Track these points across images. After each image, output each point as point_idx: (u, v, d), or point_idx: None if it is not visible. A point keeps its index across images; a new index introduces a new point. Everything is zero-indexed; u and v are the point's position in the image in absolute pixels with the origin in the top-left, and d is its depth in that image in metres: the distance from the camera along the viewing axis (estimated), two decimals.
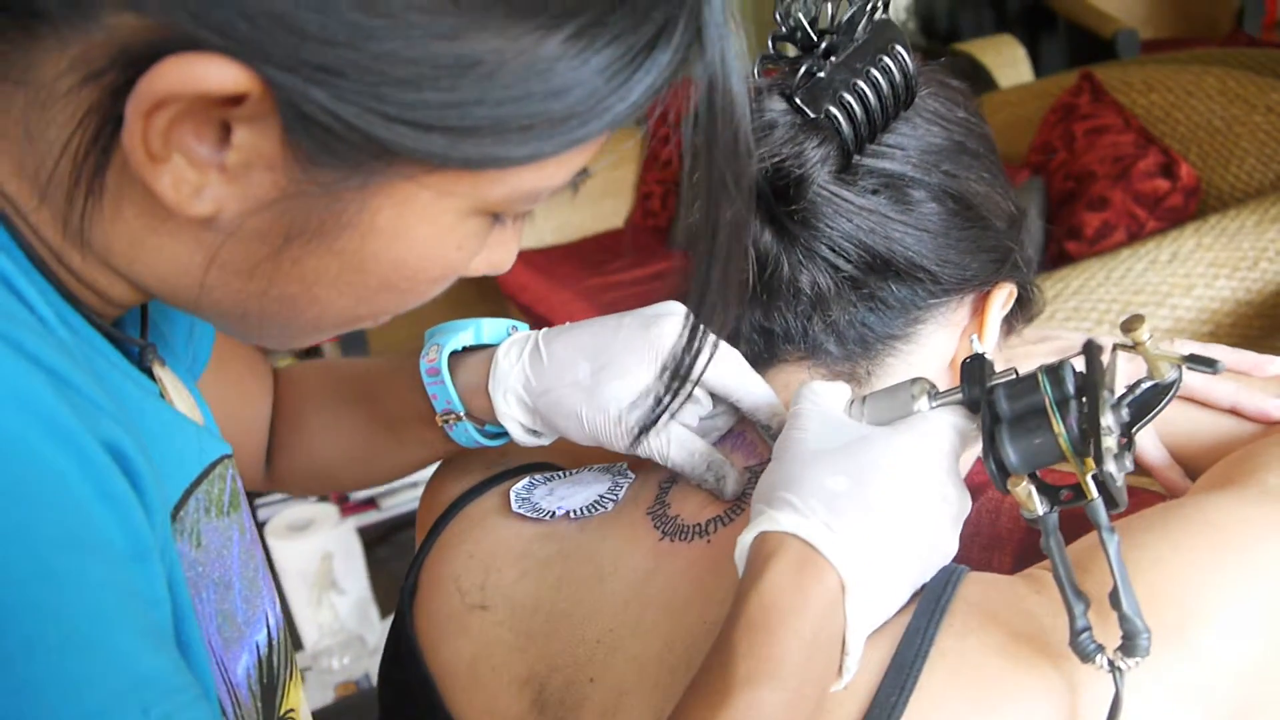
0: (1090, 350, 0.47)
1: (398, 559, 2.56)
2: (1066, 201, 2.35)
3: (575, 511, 0.62)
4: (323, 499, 2.19)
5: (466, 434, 0.66)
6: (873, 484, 0.49)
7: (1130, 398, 0.52)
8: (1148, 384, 0.53)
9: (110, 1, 0.37)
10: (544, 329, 0.63)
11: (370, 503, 2.44)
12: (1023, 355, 0.69)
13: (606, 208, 3.52)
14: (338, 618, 1.98)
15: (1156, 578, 0.49)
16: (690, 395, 0.58)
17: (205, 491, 0.51)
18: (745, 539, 0.49)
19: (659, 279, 3.09)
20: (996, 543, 0.81)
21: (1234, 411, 0.66)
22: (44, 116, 0.40)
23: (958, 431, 0.52)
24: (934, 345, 0.61)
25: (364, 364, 0.77)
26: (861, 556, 0.47)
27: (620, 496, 0.62)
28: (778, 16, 0.58)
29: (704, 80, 0.43)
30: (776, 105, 0.56)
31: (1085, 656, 0.46)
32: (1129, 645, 0.46)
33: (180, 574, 0.44)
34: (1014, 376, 0.51)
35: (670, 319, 0.60)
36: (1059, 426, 0.47)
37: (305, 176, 0.40)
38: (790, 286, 0.58)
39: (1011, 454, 0.49)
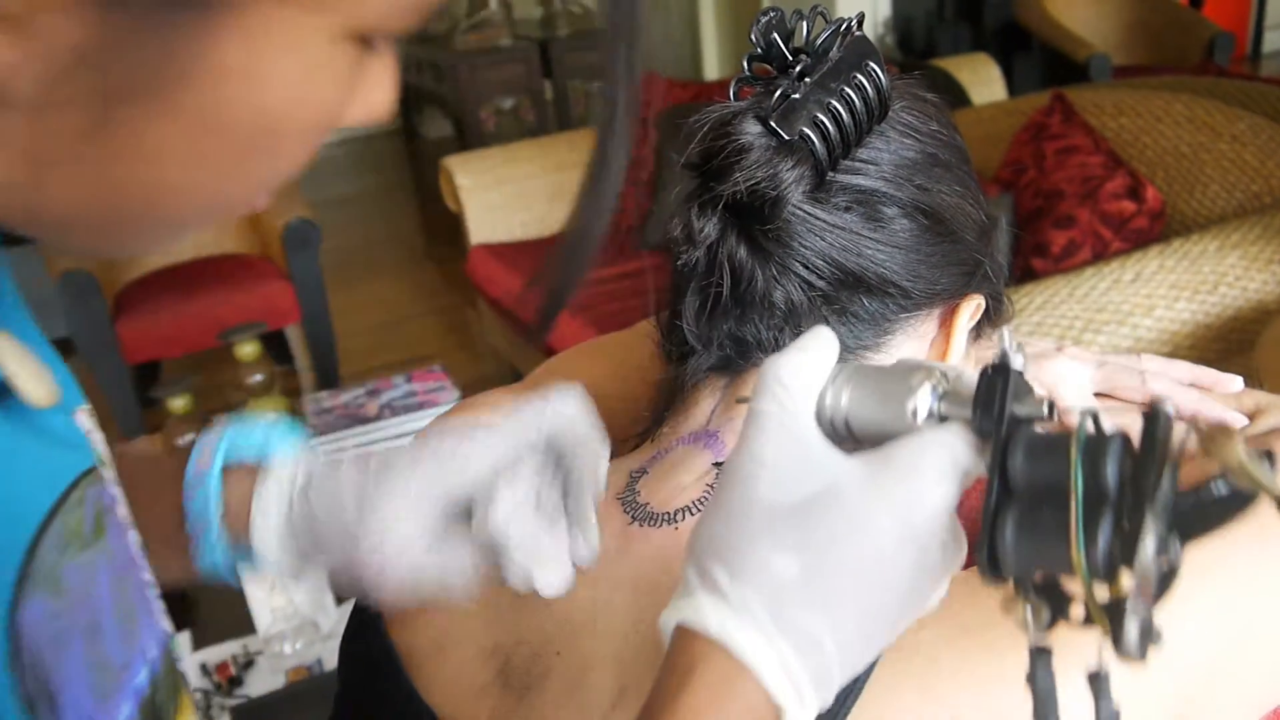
0: (1157, 423, 0.35)
1: None
2: (1034, 219, 2.38)
3: None
4: None
5: (209, 558, 0.59)
6: (837, 573, 0.39)
7: (1188, 501, 0.37)
8: (1221, 488, 0.37)
9: None
10: (317, 463, 0.58)
11: None
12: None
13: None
14: (291, 602, 1.96)
15: None
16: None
17: (62, 524, 0.41)
18: (667, 622, 0.41)
19: (628, 278, 3.09)
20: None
21: (1193, 421, 0.67)
22: None
23: (959, 478, 0.41)
24: (903, 354, 0.62)
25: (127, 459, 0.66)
26: (807, 676, 0.38)
27: None
28: (754, 37, 0.59)
29: None
30: (752, 128, 0.57)
31: None
32: None
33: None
34: (1044, 413, 0.40)
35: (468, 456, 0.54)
36: (1078, 547, 0.36)
37: (115, 14, 0.32)
38: (764, 301, 0.59)
39: (1011, 552, 0.38)
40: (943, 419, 0.42)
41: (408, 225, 5.66)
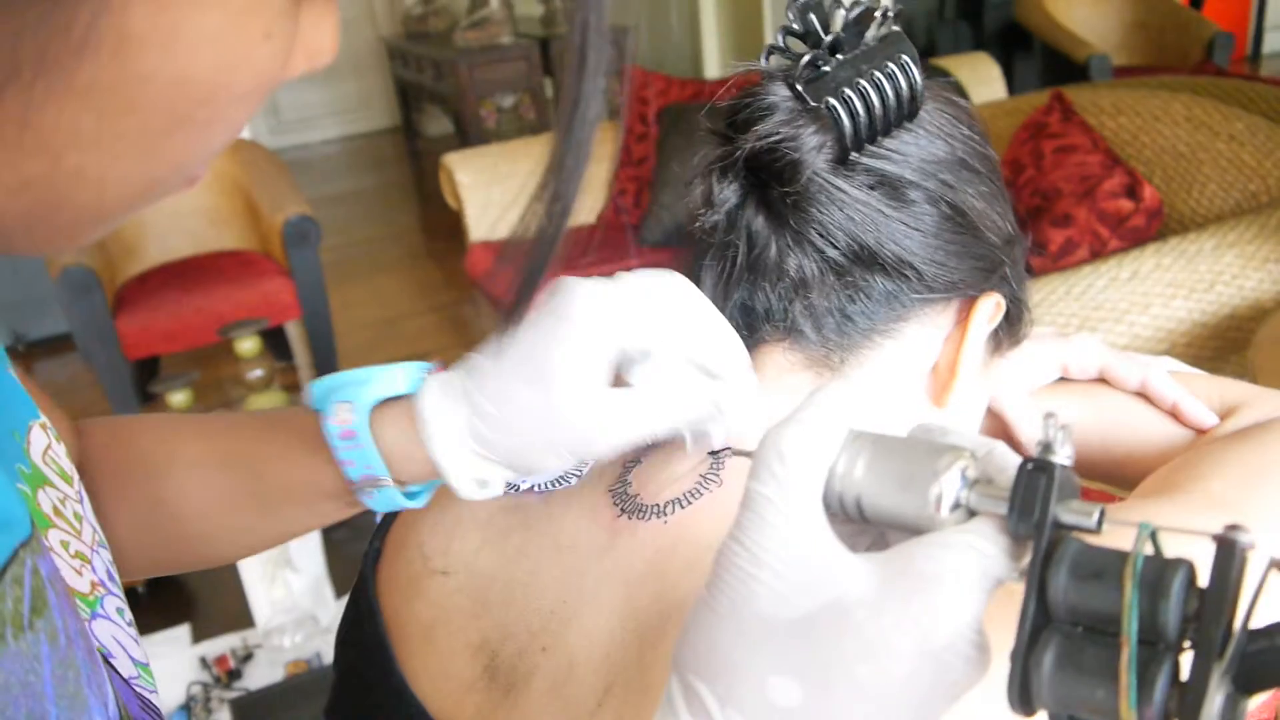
0: (1231, 560, 0.30)
1: (355, 541, 2.55)
2: (1032, 217, 2.39)
3: (540, 485, 0.63)
4: None
5: (390, 500, 0.58)
6: (844, 700, 0.35)
7: (1258, 647, 0.32)
8: None
9: None
10: (466, 365, 0.56)
11: None
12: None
13: (579, 203, 3.53)
14: (291, 595, 1.97)
15: None
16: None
17: None
18: None
19: None
20: None
21: (1173, 412, 0.68)
22: None
23: (988, 590, 0.36)
24: (915, 345, 0.60)
25: (232, 422, 0.62)
26: None
27: (585, 472, 0.63)
28: (790, 14, 0.58)
29: None
30: (779, 91, 0.57)
31: None
32: None
33: None
34: (1093, 524, 0.34)
35: (564, 291, 0.53)
36: (1129, 701, 0.31)
37: None
38: (776, 268, 0.58)
39: (1048, 689, 0.33)
40: (971, 512, 0.37)
41: (408, 222, 5.67)
